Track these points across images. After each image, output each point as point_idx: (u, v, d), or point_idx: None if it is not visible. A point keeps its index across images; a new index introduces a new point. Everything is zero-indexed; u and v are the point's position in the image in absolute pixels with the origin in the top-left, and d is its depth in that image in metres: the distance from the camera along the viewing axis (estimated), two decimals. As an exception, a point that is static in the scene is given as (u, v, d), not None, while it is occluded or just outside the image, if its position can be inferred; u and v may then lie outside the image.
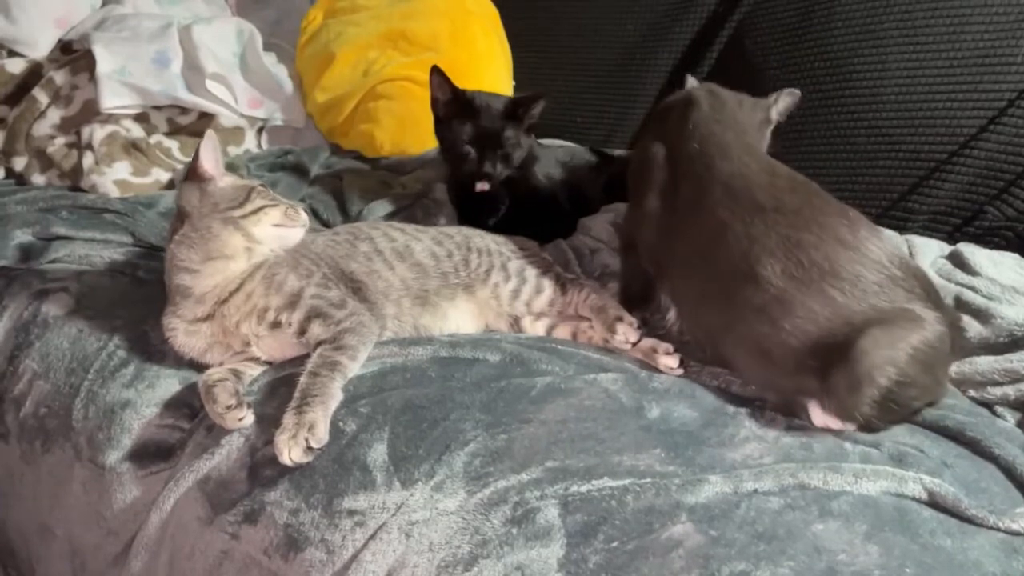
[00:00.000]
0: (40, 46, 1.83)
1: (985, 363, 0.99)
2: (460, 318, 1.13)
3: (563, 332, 1.13)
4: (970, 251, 1.18)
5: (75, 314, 1.18)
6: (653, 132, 1.13)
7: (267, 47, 1.92)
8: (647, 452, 0.83)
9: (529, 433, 0.86)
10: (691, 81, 1.19)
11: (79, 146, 1.68)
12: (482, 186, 1.39)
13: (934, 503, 0.78)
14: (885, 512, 0.76)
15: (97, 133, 1.66)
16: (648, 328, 1.08)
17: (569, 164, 1.53)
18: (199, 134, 1.63)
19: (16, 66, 1.79)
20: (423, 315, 1.10)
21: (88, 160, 1.64)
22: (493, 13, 2.00)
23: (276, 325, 1.00)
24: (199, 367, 1.04)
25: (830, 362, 0.85)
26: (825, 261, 0.88)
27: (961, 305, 1.06)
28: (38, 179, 1.69)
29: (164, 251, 1.04)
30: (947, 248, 1.23)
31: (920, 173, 1.41)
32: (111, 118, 1.69)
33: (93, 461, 1.03)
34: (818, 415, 0.89)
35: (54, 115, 1.72)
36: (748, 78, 1.62)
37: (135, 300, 1.20)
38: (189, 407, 1.03)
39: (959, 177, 1.37)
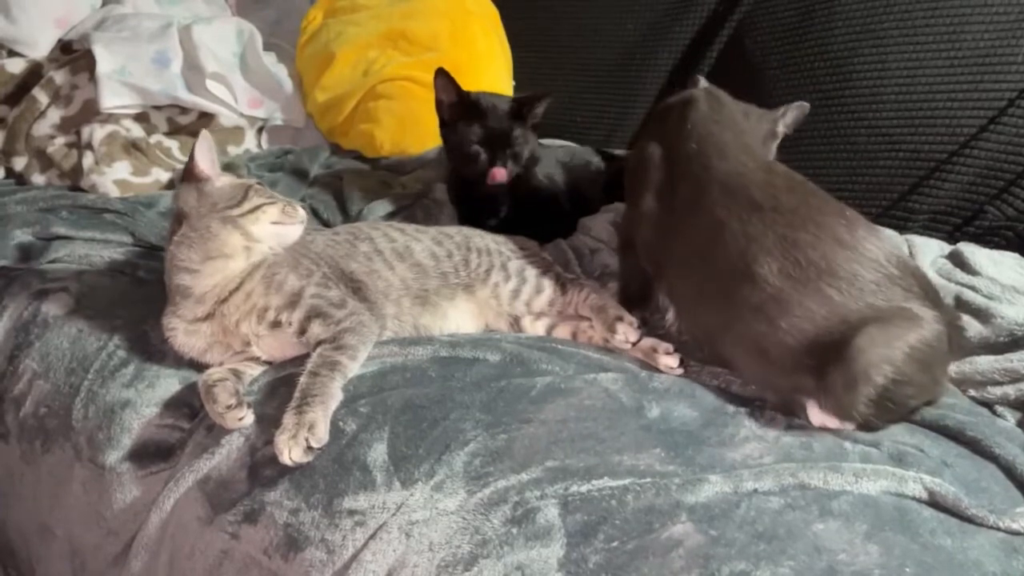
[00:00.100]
0: (40, 46, 1.83)
1: (985, 363, 0.99)
2: (460, 318, 1.13)
3: (563, 332, 1.13)
4: (970, 251, 1.18)
5: (75, 314, 1.18)
6: (651, 132, 1.13)
7: (267, 47, 1.92)
8: (647, 452, 0.83)
9: (529, 433, 0.86)
10: (702, 82, 1.18)
11: (79, 146, 1.68)
12: (500, 174, 1.36)
13: (934, 503, 0.78)
14: (885, 512, 0.76)
15: (97, 133, 1.66)
16: (647, 328, 1.08)
17: (569, 164, 1.52)
18: (199, 134, 1.63)
19: (16, 66, 1.79)
20: (423, 315, 1.10)
21: (88, 160, 1.64)
22: (493, 13, 2.00)
23: (276, 324, 1.00)
24: (199, 367, 1.04)
25: (827, 361, 0.85)
26: (822, 260, 0.88)
27: (961, 305, 1.06)
28: (38, 179, 1.69)
29: (164, 251, 1.04)
30: (947, 248, 1.23)
31: (920, 173, 1.41)
32: (111, 118, 1.69)
33: (93, 461, 1.03)
34: (816, 414, 0.89)
35: (54, 115, 1.72)
36: (748, 78, 1.62)
37: (135, 300, 1.20)
38: (189, 407, 1.03)
39: (959, 177, 1.37)
